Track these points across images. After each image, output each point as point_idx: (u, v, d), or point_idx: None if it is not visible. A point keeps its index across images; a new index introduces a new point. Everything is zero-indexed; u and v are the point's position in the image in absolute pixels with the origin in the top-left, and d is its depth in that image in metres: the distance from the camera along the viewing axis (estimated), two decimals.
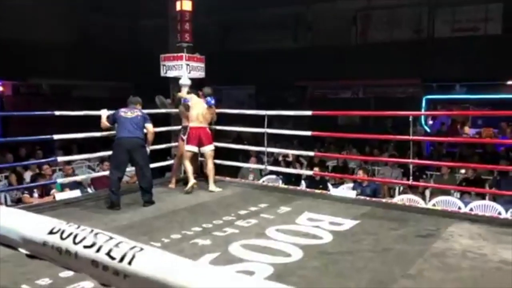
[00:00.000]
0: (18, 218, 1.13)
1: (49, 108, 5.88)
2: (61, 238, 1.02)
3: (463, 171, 8.49)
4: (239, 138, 12.61)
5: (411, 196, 6.69)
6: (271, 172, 7.87)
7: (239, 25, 15.89)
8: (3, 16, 12.06)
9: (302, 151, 8.25)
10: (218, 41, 16.04)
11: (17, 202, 6.70)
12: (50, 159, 6.84)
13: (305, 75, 14.12)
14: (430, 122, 14.02)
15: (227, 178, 7.02)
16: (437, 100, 13.68)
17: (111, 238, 0.99)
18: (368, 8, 14.11)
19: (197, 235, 4.20)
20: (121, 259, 0.94)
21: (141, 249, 0.95)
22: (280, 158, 9.60)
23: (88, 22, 14.91)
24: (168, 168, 7.12)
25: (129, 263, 0.92)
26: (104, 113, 5.59)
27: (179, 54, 6.86)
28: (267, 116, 6.47)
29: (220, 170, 7.24)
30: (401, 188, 8.01)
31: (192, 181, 6.02)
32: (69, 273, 3.02)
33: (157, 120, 6.52)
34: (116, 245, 0.97)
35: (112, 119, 5.44)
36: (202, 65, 7.07)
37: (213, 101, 6.19)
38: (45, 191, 6.75)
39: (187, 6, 6.97)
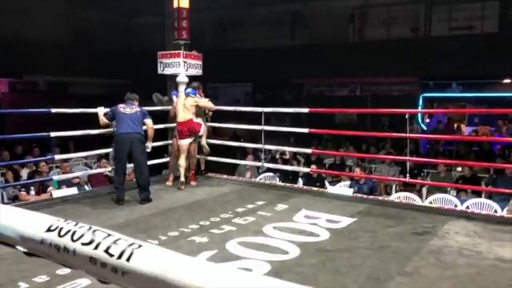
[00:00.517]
0: (15, 216, 1.13)
1: (45, 105, 5.87)
2: (59, 236, 1.02)
3: (459, 169, 8.53)
4: (235, 135, 12.60)
5: (407, 194, 6.71)
6: (268, 170, 7.88)
7: (236, 23, 15.86)
8: None
9: (299, 149, 8.27)
10: (215, 38, 16.01)
11: (14, 200, 6.69)
12: (47, 157, 6.83)
13: (302, 72, 14.12)
14: (427, 120, 14.06)
15: (224, 176, 7.02)
16: (434, 98, 13.72)
17: (109, 235, 0.99)
18: (365, 6, 14.11)
19: (195, 233, 4.20)
20: (120, 256, 0.94)
21: (140, 246, 0.95)
22: (277, 156, 9.61)
23: (85, 19, 14.84)
24: (165, 165, 7.12)
25: (128, 260, 0.92)
26: (101, 110, 5.58)
27: (177, 52, 6.85)
28: (264, 113, 6.48)
29: (217, 167, 7.25)
30: (398, 186, 8.04)
31: (181, 179, 6.09)
32: (66, 271, 3.02)
33: (154, 117, 6.51)
34: (115, 242, 0.97)
35: (111, 116, 5.43)
36: (200, 62, 7.06)
37: (190, 90, 6.25)
38: (41, 188, 6.74)
39: (185, 3, 6.96)
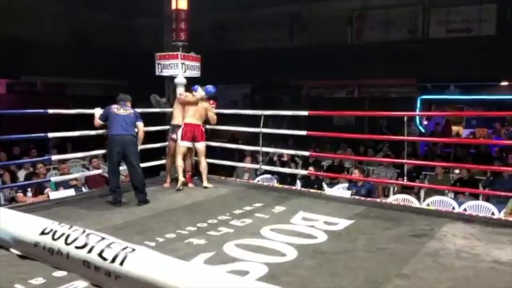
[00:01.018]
0: (9, 218, 1.13)
1: (43, 106, 5.85)
2: (53, 239, 1.02)
3: (457, 171, 8.54)
4: (233, 137, 12.59)
5: (405, 196, 6.72)
6: (266, 172, 7.88)
7: (235, 24, 15.87)
8: None
9: (297, 151, 8.27)
10: (214, 40, 16.01)
11: (11, 201, 6.66)
12: (44, 157, 6.81)
13: (301, 74, 14.13)
14: (425, 122, 14.08)
15: (222, 177, 7.01)
16: (432, 100, 13.73)
17: (103, 238, 0.99)
18: (364, 8, 14.13)
19: (192, 235, 4.19)
20: (113, 260, 0.93)
21: (133, 249, 0.95)
22: (275, 158, 9.60)
23: (83, 20, 14.82)
24: (163, 167, 7.10)
25: (121, 263, 0.92)
26: (98, 111, 5.57)
27: (175, 53, 6.84)
28: (263, 116, 6.48)
29: (215, 169, 7.23)
30: (396, 188, 8.05)
31: (181, 179, 6.09)
32: (63, 273, 2.99)
33: (152, 119, 6.51)
34: (108, 246, 0.96)
35: (104, 116, 5.42)
36: (198, 64, 7.06)
37: (206, 93, 6.31)
38: (39, 190, 6.72)
39: (183, 4, 6.95)
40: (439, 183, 7.86)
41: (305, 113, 6.87)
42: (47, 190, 6.55)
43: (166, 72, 6.94)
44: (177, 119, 6.40)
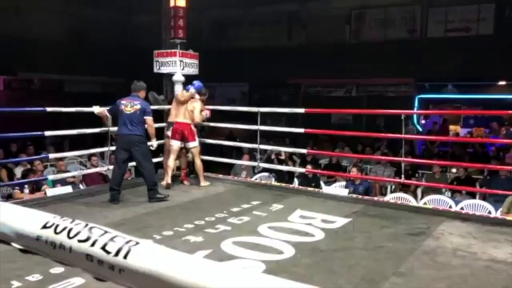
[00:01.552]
0: (10, 213, 1.13)
1: (41, 103, 5.84)
2: (55, 233, 1.02)
3: (454, 170, 8.56)
4: (231, 135, 12.59)
5: (402, 195, 6.73)
6: (264, 170, 7.88)
7: (233, 22, 15.86)
8: None
9: (295, 149, 8.27)
10: (212, 38, 15.99)
11: (8, 198, 6.64)
12: (41, 155, 6.78)
13: (299, 73, 14.14)
14: (423, 121, 14.11)
15: (220, 175, 7.01)
16: (430, 99, 13.77)
17: (106, 232, 0.99)
18: (362, 7, 14.15)
19: (189, 232, 4.19)
20: (117, 253, 0.93)
21: (137, 243, 0.95)
22: (273, 156, 9.60)
23: (81, 16, 14.79)
24: (161, 164, 7.10)
25: (125, 257, 0.92)
26: (96, 109, 5.56)
27: (173, 51, 6.83)
28: (260, 113, 6.47)
29: (213, 167, 7.23)
30: (393, 187, 8.06)
31: (167, 180, 6.00)
32: (60, 269, 3.00)
33: None
34: (111, 239, 0.96)
35: (113, 111, 5.41)
36: (196, 61, 7.05)
37: (195, 91, 6.20)
38: (36, 186, 6.70)
39: (181, 2, 6.94)
40: (436, 181, 7.88)
41: (302, 110, 6.87)
42: (44, 187, 6.53)
43: (164, 70, 6.93)
44: (172, 117, 6.40)
